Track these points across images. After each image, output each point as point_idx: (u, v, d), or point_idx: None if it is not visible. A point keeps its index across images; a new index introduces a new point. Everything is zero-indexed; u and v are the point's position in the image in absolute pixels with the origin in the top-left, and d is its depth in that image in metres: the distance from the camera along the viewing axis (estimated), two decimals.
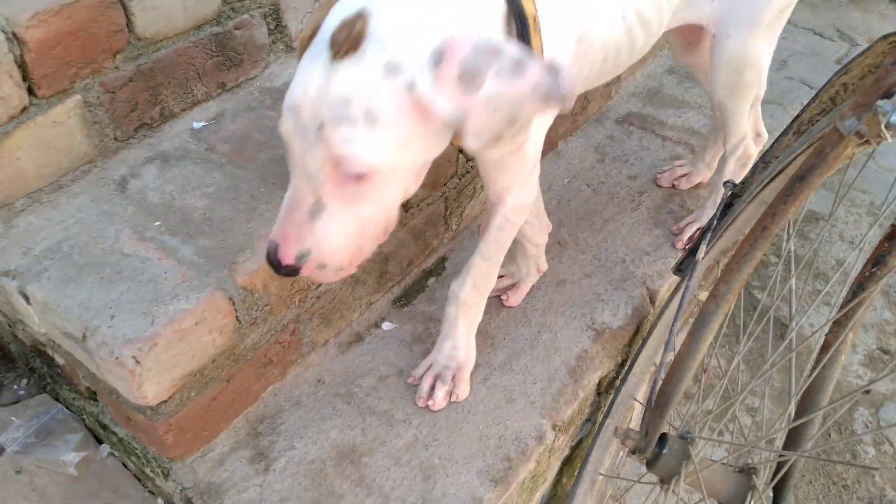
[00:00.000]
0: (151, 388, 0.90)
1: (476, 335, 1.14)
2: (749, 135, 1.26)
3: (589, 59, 0.94)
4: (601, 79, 1.05)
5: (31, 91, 0.99)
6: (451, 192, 1.30)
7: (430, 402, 1.09)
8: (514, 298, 1.24)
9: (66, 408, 1.17)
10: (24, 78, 0.98)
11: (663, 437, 0.85)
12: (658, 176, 1.50)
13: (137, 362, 0.86)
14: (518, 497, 1.09)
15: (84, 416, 1.16)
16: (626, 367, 1.20)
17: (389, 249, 1.21)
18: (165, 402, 0.94)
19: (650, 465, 0.85)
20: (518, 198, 0.99)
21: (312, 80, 0.70)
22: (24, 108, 1.00)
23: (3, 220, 1.03)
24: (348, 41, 0.68)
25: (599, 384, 1.21)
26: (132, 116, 1.13)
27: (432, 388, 1.10)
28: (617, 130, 1.66)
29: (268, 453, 1.04)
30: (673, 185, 1.49)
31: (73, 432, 1.14)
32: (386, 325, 1.22)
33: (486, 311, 1.16)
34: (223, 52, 1.21)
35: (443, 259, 1.33)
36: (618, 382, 1.22)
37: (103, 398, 1.04)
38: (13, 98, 0.97)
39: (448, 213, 1.31)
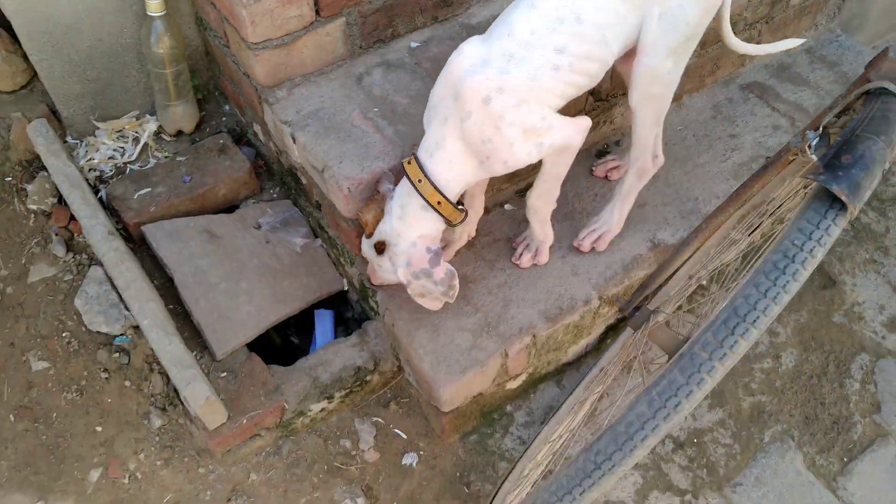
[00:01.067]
0: (352, 206, 1.53)
1: (565, 223, 1.67)
2: (650, 150, 1.56)
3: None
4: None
5: (317, 13, 1.60)
6: None
7: (519, 262, 1.64)
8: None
9: (301, 211, 1.85)
10: (315, 4, 1.58)
11: (639, 307, 1.35)
12: (593, 168, 1.82)
13: (349, 191, 1.48)
14: (563, 335, 1.64)
15: (310, 219, 1.83)
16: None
17: None
18: None
19: (628, 320, 1.36)
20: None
21: None
22: (311, 23, 1.60)
23: (287, 88, 1.67)
24: None
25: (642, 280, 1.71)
26: (374, 34, 1.72)
27: (522, 253, 1.65)
28: (737, 94, 2.02)
29: None
30: (606, 177, 1.81)
31: (301, 226, 1.83)
32: (507, 206, 1.77)
33: (575, 214, 1.67)
34: None
35: None
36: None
37: (325, 209, 1.69)
38: (307, 16, 1.58)
39: None
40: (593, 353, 1.80)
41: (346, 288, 1.79)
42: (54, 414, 1.62)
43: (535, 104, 1.30)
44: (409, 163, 1.38)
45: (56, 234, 1.78)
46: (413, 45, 1.77)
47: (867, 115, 1.02)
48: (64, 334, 1.68)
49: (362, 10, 1.66)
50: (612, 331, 1.78)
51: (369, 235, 1.45)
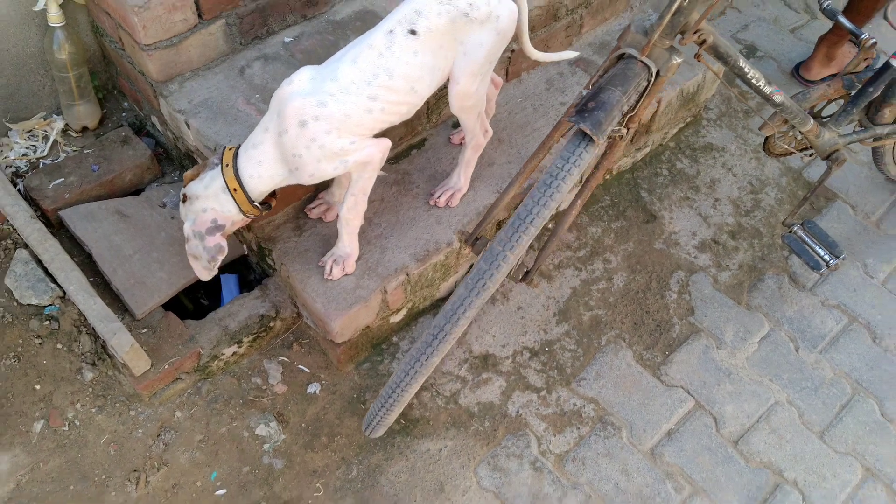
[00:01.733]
0: None
1: (430, 182, 2.01)
2: (479, 132, 1.88)
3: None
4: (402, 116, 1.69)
5: (199, 16, 1.88)
6: (431, 99, 2.13)
7: (331, 276, 1.85)
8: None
9: None
10: (197, 9, 1.86)
11: (478, 237, 1.71)
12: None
13: (274, 197, 1.78)
14: (433, 273, 1.99)
15: None
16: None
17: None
18: None
19: (471, 247, 1.72)
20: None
21: None
22: (195, 25, 1.88)
23: (178, 82, 1.95)
24: None
25: (499, 224, 2.07)
26: (251, 32, 2.01)
27: (332, 268, 1.90)
28: (566, 69, 2.41)
29: (301, 225, 1.97)
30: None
31: None
32: (381, 173, 2.09)
33: (437, 175, 2.02)
34: None
35: (423, 140, 2.18)
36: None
37: None
38: (191, 20, 1.86)
39: (429, 110, 2.15)
40: None
41: (246, 252, 2.08)
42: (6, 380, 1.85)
43: (346, 133, 1.59)
44: (229, 149, 1.66)
45: None
46: (286, 40, 2.07)
47: (612, 73, 1.40)
48: None
49: (239, 11, 1.95)
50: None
51: (184, 186, 1.72)
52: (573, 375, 2.04)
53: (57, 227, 2.02)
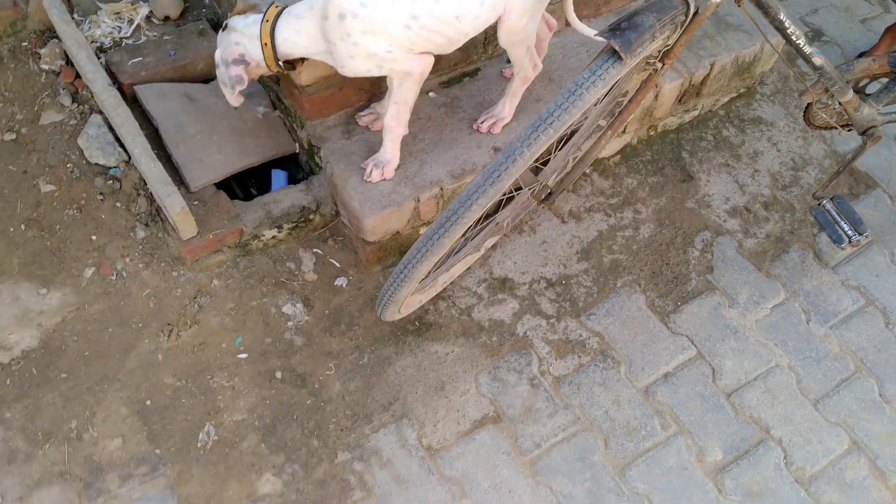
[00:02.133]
0: (305, 77, 1.96)
1: (478, 109, 2.12)
2: (527, 65, 1.94)
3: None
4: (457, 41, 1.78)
5: None
6: (490, 29, 2.23)
7: (370, 178, 1.98)
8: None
9: (263, 87, 2.28)
10: None
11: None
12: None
13: (302, 62, 1.92)
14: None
15: (270, 93, 2.26)
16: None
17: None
18: (309, 86, 1.99)
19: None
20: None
21: None
22: None
23: None
24: None
25: None
26: None
27: (372, 171, 2.01)
28: None
29: (351, 130, 2.10)
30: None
31: (263, 99, 2.25)
32: (431, 94, 2.21)
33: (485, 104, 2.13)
34: None
35: (477, 69, 2.28)
36: None
37: (283, 82, 2.12)
38: None
39: (486, 41, 2.25)
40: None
41: (297, 150, 2.23)
42: (57, 226, 2.05)
43: (382, 39, 1.66)
44: (275, 7, 1.75)
45: (63, 89, 2.19)
46: None
47: (651, 1, 1.48)
48: (68, 165, 2.11)
49: None
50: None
51: (234, 15, 1.82)
52: (584, 309, 2.13)
53: (130, 101, 2.19)
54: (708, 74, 2.39)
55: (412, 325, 2.05)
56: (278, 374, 1.94)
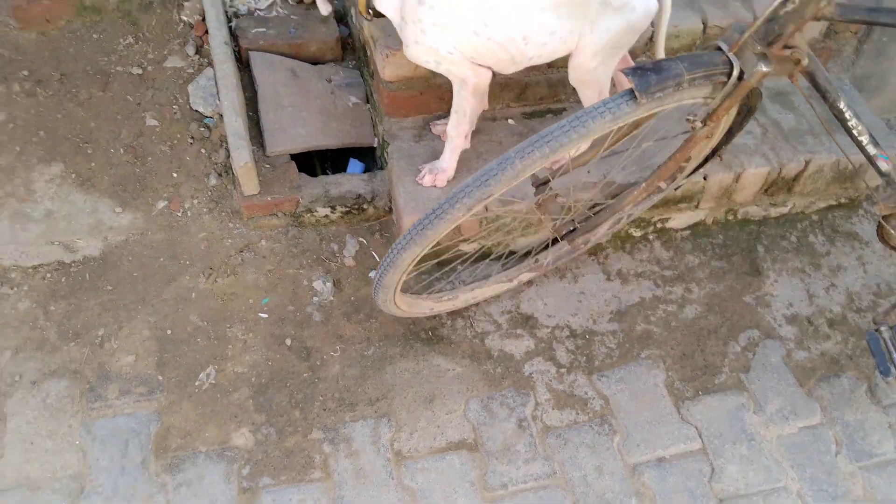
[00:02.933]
0: (389, 73, 2.07)
1: None
2: None
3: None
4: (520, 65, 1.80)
5: None
6: None
7: (421, 181, 2.05)
8: None
9: (363, 80, 2.41)
10: None
11: (545, 184, 1.82)
12: None
13: (387, 56, 2.03)
14: (512, 221, 2.12)
15: (366, 86, 2.39)
16: None
17: (530, 81, 2.22)
18: (392, 82, 2.10)
19: (535, 188, 1.84)
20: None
21: None
22: None
23: None
24: None
25: None
26: None
27: (425, 175, 2.07)
28: None
29: (423, 134, 2.19)
30: None
31: (360, 91, 2.39)
32: (511, 122, 2.26)
33: None
34: None
35: (563, 108, 2.30)
36: None
37: (375, 76, 2.24)
38: None
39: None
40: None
41: (375, 144, 2.34)
42: (149, 157, 2.27)
43: (450, 37, 1.69)
44: None
45: (192, 40, 2.43)
46: None
47: (691, 54, 1.46)
48: (174, 106, 2.34)
49: None
50: None
51: None
52: (598, 369, 2.09)
53: (244, 65, 2.40)
54: (802, 171, 2.28)
55: (424, 334, 2.09)
56: (288, 342, 2.04)
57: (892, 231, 1.89)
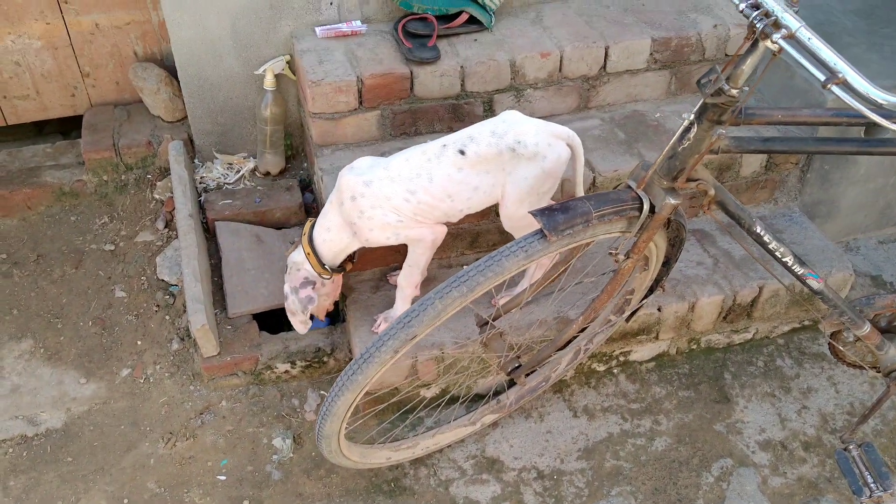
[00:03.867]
0: None
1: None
2: None
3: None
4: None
5: (360, 103, 2.33)
6: None
7: (377, 331, 2.12)
8: None
9: None
10: (359, 97, 2.32)
11: (487, 323, 1.85)
12: None
13: (351, 262, 2.14)
14: (471, 363, 2.13)
15: None
16: None
17: (481, 230, 2.31)
18: None
19: (479, 327, 1.86)
20: None
21: None
22: (355, 108, 2.34)
23: (331, 150, 2.39)
24: None
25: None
26: (400, 127, 2.42)
27: (381, 325, 2.14)
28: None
29: (380, 286, 2.25)
30: None
31: None
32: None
33: None
34: (455, 113, 2.43)
35: None
36: None
37: None
38: (352, 103, 2.32)
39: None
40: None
41: (337, 298, 2.40)
42: (116, 328, 2.34)
43: (390, 211, 1.89)
44: (310, 221, 2.03)
45: (163, 215, 2.58)
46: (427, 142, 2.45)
47: (598, 193, 1.54)
48: (142, 277, 2.44)
49: (394, 108, 2.38)
50: None
51: (288, 254, 2.09)
52: None
53: (211, 234, 2.53)
54: (757, 297, 2.31)
55: (387, 486, 2.04)
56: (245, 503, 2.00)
57: (842, 348, 1.90)
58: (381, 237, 1.95)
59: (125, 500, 2.00)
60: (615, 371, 2.34)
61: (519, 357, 1.90)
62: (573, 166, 1.96)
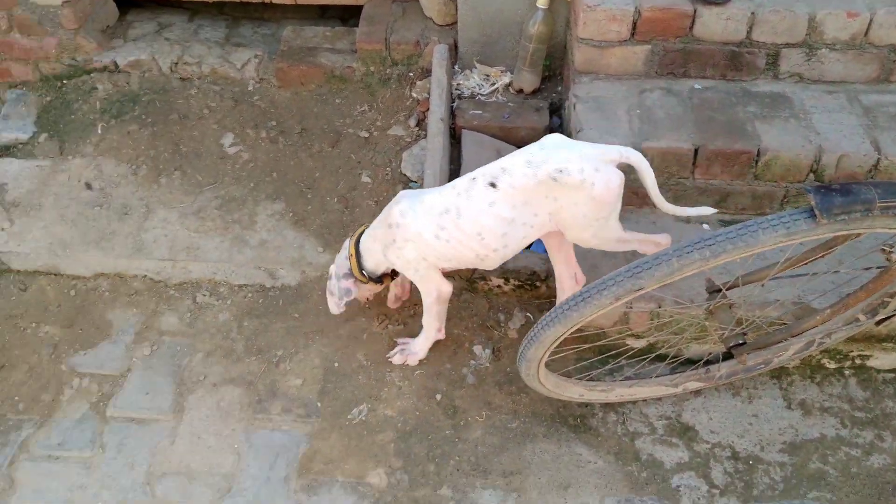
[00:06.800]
0: None
1: None
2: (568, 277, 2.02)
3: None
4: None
5: (632, 35, 2.23)
6: (791, 189, 2.15)
7: (392, 358, 2.17)
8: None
9: None
10: (633, 28, 2.22)
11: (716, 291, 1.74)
12: None
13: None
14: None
15: None
16: None
17: (732, 190, 2.16)
18: None
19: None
20: None
21: None
22: (625, 40, 2.24)
23: (590, 78, 2.33)
24: None
25: None
26: (668, 67, 2.30)
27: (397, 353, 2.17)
28: None
29: None
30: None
31: None
32: (705, 226, 2.20)
33: None
34: (732, 61, 2.26)
35: None
36: None
37: None
38: (623, 34, 2.23)
39: (785, 198, 2.17)
40: None
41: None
42: (357, 209, 2.51)
43: (419, 249, 1.88)
44: (364, 228, 2.04)
45: (416, 114, 2.68)
46: (696, 86, 2.30)
47: (888, 181, 1.35)
48: (387, 168, 2.58)
49: (666, 45, 2.25)
50: None
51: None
52: (756, 499, 1.90)
53: (456, 139, 2.60)
54: None
55: (573, 420, 2.05)
56: (438, 397, 2.10)
57: None
58: (406, 270, 1.97)
59: (336, 364, 2.18)
60: (846, 373, 2.13)
61: (745, 334, 1.78)
62: (643, 181, 1.81)
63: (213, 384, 2.15)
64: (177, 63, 2.86)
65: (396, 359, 2.18)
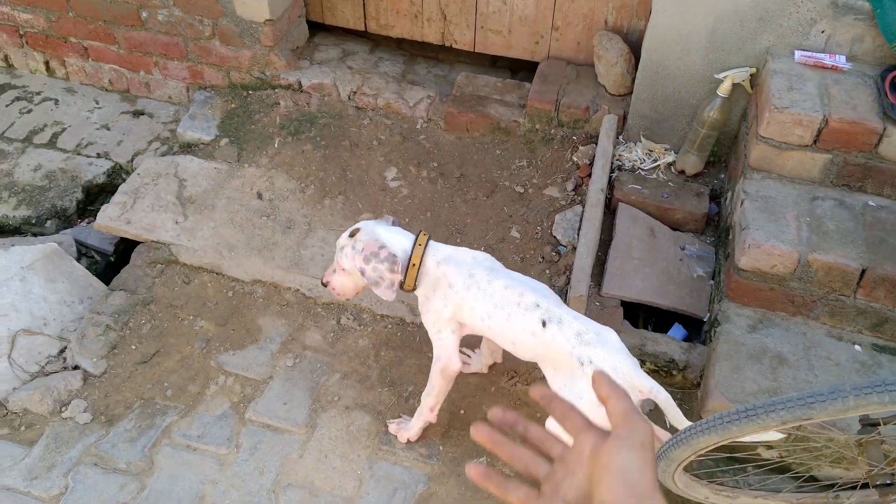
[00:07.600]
0: (745, 262, 2.12)
1: None
2: None
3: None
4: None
5: (815, 142, 2.20)
6: None
7: (391, 430, 2.21)
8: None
9: (715, 258, 2.48)
10: (816, 136, 2.19)
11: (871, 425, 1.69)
12: None
13: (748, 247, 2.08)
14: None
15: (717, 264, 2.45)
16: None
17: (891, 316, 2.09)
18: (746, 271, 2.14)
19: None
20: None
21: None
22: (807, 145, 2.22)
23: (762, 176, 2.31)
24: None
25: None
26: (845, 178, 2.25)
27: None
28: None
29: (756, 327, 2.17)
30: None
31: (708, 266, 2.46)
32: (857, 347, 2.14)
33: None
34: None
35: None
36: None
37: (728, 260, 2.30)
38: (806, 139, 2.20)
39: None
40: None
41: (704, 318, 2.38)
42: (502, 261, 2.58)
43: (455, 311, 1.87)
44: (424, 234, 1.90)
45: (574, 178, 2.73)
46: (871, 203, 2.24)
47: None
48: (538, 227, 2.63)
49: (847, 158, 2.21)
50: None
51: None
52: None
53: (611, 211, 2.63)
54: None
55: None
56: None
57: None
58: (427, 318, 1.95)
59: (462, 411, 2.25)
60: None
61: (895, 475, 1.72)
62: (664, 409, 1.77)
63: (345, 406, 2.26)
64: (356, 92, 3.03)
65: (392, 428, 2.21)
